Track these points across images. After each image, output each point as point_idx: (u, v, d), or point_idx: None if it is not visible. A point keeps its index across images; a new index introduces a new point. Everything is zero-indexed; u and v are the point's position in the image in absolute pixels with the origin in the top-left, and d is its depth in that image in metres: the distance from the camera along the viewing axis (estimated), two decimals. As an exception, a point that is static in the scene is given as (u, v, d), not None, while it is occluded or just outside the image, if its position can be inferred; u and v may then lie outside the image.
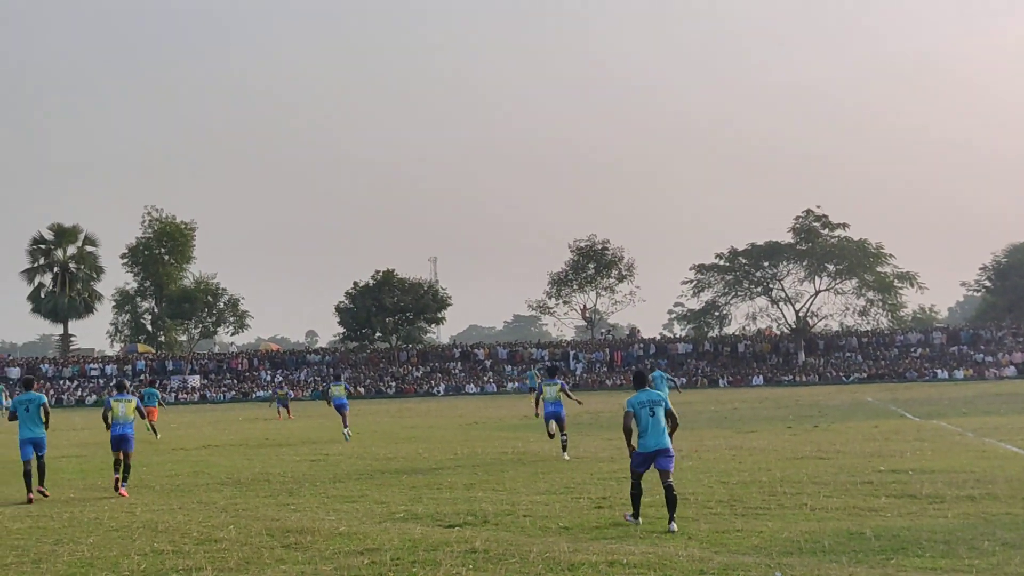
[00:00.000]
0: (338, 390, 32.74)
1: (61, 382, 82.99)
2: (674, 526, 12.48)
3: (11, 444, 21.09)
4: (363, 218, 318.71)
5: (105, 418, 18.88)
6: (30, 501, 17.09)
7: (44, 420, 17.76)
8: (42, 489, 17.63)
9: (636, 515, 13.22)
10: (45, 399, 18.28)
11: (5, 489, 19.24)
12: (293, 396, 70.86)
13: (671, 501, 12.69)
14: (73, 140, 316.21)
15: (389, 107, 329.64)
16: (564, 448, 22.59)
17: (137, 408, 18.94)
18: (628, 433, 13.49)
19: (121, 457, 18.30)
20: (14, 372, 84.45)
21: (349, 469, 21.43)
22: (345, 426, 30.50)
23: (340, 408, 31.37)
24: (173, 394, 79.79)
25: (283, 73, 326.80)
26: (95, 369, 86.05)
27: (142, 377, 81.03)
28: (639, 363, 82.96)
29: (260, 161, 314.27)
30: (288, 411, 48.76)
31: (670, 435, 13.25)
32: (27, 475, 17.35)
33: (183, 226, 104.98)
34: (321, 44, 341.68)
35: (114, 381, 18.70)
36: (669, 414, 13.27)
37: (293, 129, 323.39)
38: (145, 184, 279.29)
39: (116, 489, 17.99)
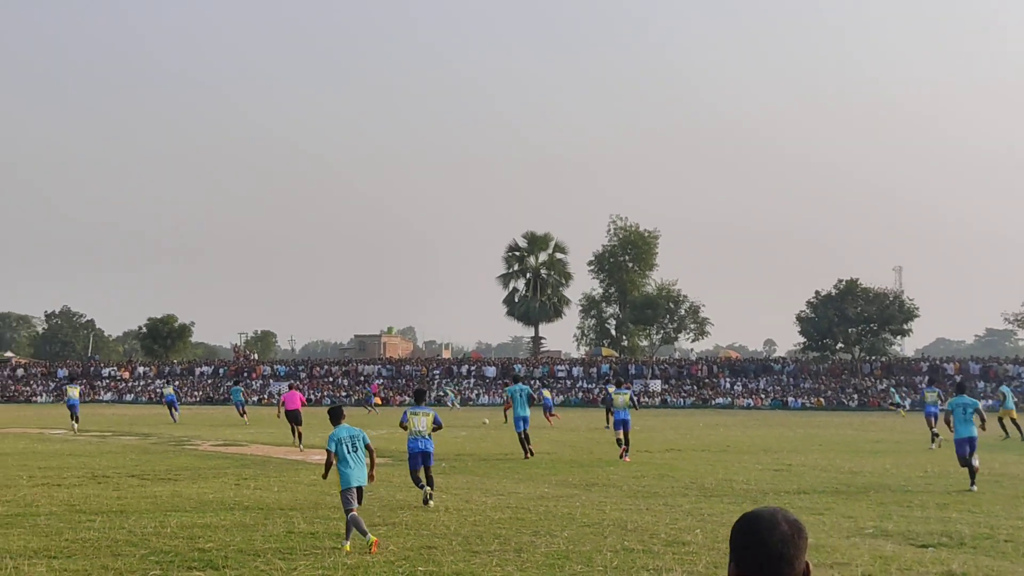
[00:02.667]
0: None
1: (532, 382, 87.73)
2: None
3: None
4: (826, 226, 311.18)
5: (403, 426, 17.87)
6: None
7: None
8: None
9: None
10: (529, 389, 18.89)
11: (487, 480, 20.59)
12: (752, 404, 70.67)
13: None
14: (544, 154, 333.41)
15: (822, 109, 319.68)
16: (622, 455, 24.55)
17: (435, 421, 17.60)
18: None
19: (421, 475, 17.18)
20: (490, 371, 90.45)
21: (814, 481, 20.98)
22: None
23: None
24: (635, 397, 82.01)
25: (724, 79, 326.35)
26: (562, 371, 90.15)
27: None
28: None
29: (718, 164, 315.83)
30: None
31: None
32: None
33: (647, 234, 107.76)
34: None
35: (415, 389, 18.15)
36: None
37: (744, 128, 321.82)
38: (610, 190, 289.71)
39: (425, 502, 16.65)
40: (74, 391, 44.31)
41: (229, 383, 75.11)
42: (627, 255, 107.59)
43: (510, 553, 12.01)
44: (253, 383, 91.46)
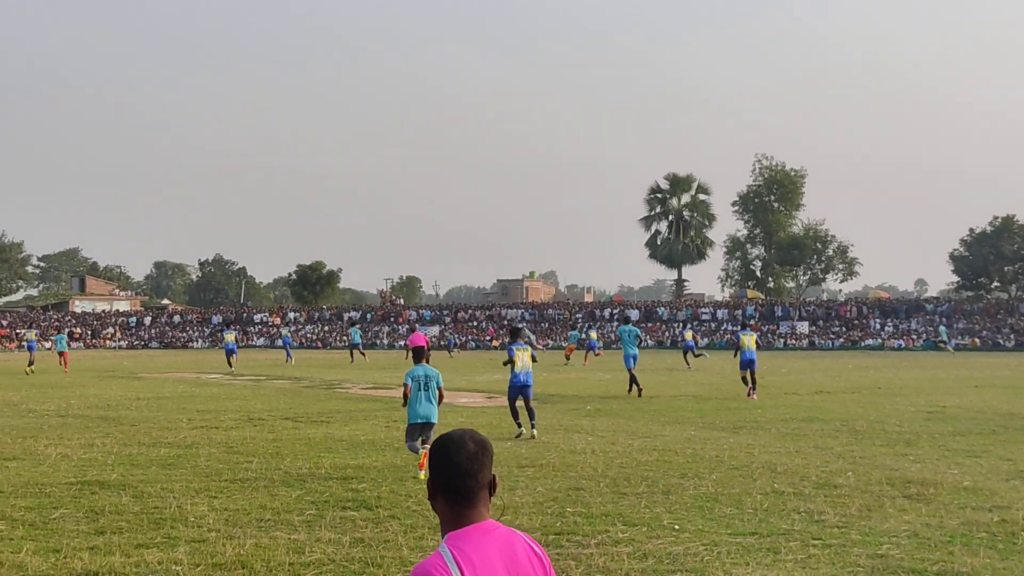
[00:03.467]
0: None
1: (675, 325, 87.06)
2: None
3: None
4: (980, 162, 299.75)
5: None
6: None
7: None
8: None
9: None
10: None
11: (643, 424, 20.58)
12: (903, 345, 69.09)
13: None
14: (686, 94, 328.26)
15: (975, 43, 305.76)
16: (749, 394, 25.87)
17: (532, 356, 18.92)
18: None
19: (519, 407, 18.55)
20: (634, 314, 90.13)
21: (969, 423, 20.33)
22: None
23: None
24: (781, 340, 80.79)
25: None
26: (706, 313, 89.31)
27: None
28: None
29: (865, 100, 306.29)
30: None
31: None
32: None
33: (793, 173, 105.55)
34: None
35: (510, 327, 20.06)
36: None
37: (893, 64, 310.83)
38: (752, 130, 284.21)
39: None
40: (230, 336, 47.01)
41: (350, 327, 76.56)
42: (772, 195, 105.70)
43: (658, 495, 11.96)
44: (399, 327, 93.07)
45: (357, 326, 66.84)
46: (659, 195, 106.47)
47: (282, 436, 18.36)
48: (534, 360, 18.93)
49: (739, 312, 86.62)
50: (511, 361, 18.76)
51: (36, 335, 56.17)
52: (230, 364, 44.75)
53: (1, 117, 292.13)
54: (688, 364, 46.14)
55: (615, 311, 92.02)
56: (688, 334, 50.29)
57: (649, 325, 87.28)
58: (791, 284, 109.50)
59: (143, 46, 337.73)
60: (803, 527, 10.20)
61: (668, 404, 25.43)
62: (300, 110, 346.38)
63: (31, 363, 46.30)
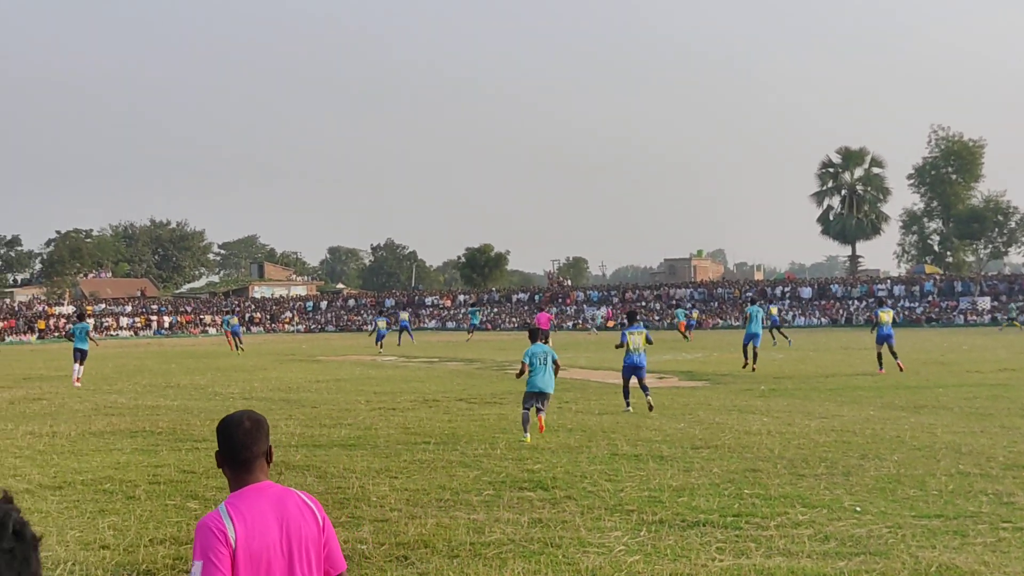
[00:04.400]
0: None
1: (849, 303, 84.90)
2: None
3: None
4: None
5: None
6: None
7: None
8: None
9: None
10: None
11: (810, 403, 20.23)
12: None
13: None
14: (858, 65, 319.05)
15: None
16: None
17: (647, 339, 19.87)
18: None
19: (631, 386, 19.80)
20: (806, 292, 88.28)
21: None
22: None
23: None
24: (961, 316, 77.95)
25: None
26: (882, 289, 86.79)
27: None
28: None
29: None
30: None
31: None
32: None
33: (971, 144, 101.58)
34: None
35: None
36: None
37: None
38: (928, 99, 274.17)
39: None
40: (382, 323, 53.76)
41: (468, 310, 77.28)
42: (950, 167, 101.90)
43: (838, 476, 11.74)
44: (568, 308, 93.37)
45: (476, 307, 72.10)
46: (831, 169, 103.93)
47: (457, 417, 18.69)
48: (649, 342, 19.85)
49: (916, 288, 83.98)
50: (623, 344, 19.84)
51: (237, 319, 58.96)
52: (379, 346, 50.09)
53: (190, 118, 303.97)
54: (776, 340, 47.40)
55: (787, 289, 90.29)
56: (773, 309, 51.47)
57: (823, 303, 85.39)
58: (971, 258, 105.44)
59: (308, 47, 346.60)
60: (991, 509, 9.88)
61: (844, 383, 24.89)
62: (464, 95, 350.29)
63: (239, 345, 50.15)
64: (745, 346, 30.14)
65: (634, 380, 19.65)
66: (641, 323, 21.42)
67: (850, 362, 33.13)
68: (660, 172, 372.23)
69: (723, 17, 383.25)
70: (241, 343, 50.40)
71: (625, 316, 23.46)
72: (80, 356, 29.74)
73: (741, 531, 9.20)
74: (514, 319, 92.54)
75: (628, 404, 19.51)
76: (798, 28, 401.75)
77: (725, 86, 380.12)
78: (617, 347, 20.34)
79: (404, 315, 63.17)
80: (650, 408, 18.81)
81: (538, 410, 15.84)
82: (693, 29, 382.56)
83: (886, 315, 28.57)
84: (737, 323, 78.56)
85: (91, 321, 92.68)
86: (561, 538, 9.06)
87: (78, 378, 29.26)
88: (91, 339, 31.05)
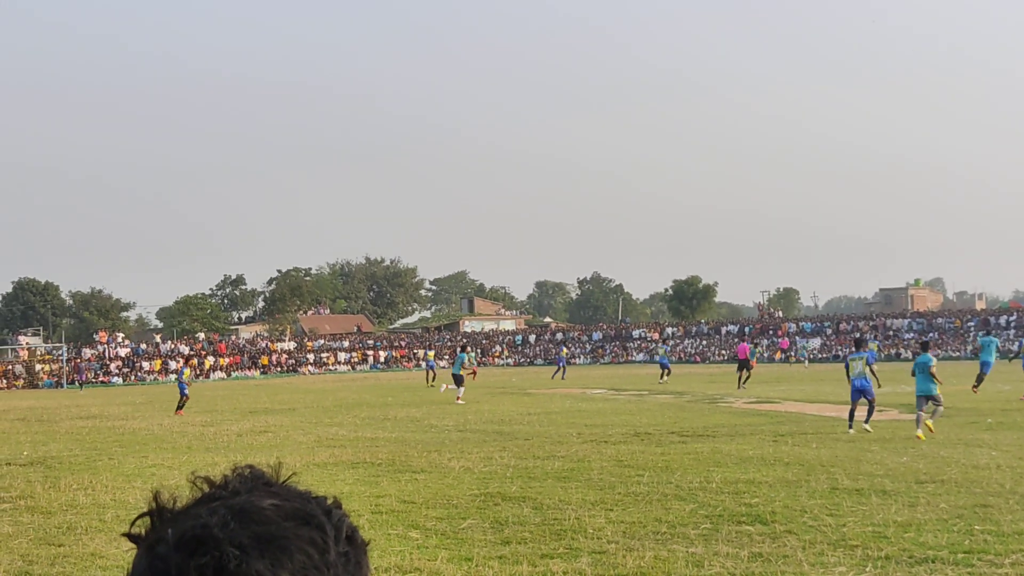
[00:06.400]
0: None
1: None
2: None
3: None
4: None
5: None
6: None
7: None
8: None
9: None
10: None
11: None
12: None
13: None
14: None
15: None
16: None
17: (869, 365, 21.59)
18: None
19: (856, 410, 21.39)
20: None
21: None
22: None
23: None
24: None
25: None
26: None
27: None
28: None
29: None
30: None
31: None
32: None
33: None
34: None
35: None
36: None
37: None
38: None
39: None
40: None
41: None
42: None
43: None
44: (777, 340, 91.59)
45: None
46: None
47: (670, 450, 18.56)
48: (869, 367, 21.61)
49: None
50: (847, 370, 21.85)
51: (434, 354, 61.36)
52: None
53: (397, 159, 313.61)
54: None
55: (1012, 318, 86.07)
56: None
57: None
58: None
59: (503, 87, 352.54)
60: None
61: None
62: (662, 131, 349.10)
63: (433, 379, 52.36)
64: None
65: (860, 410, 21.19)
66: (866, 351, 22.77)
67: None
68: (871, 197, 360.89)
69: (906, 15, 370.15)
70: (435, 377, 52.62)
71: (854, 343, 24.70)
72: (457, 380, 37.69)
73: (973, 568, 8.83)
74: (723, 351, 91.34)
75: (851, 427, 20.90)
76: None
77: (936, 107, 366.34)
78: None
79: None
80: (865, 427, 20.72)
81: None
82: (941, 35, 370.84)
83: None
84: (956, 354, 75.46)
85: (310, 356, 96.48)
86: (783, 573, 8.89)
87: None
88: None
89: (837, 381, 42.72)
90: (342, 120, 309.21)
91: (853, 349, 24.14)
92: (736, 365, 46.41)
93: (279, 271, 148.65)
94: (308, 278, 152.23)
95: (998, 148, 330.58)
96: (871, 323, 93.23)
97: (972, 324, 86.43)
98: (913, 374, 21.49)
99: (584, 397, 38.38)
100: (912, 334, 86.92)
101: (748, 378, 42.00)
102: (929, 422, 20.07)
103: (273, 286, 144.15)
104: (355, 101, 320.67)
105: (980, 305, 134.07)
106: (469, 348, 52.64)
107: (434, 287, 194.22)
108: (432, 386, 49.37)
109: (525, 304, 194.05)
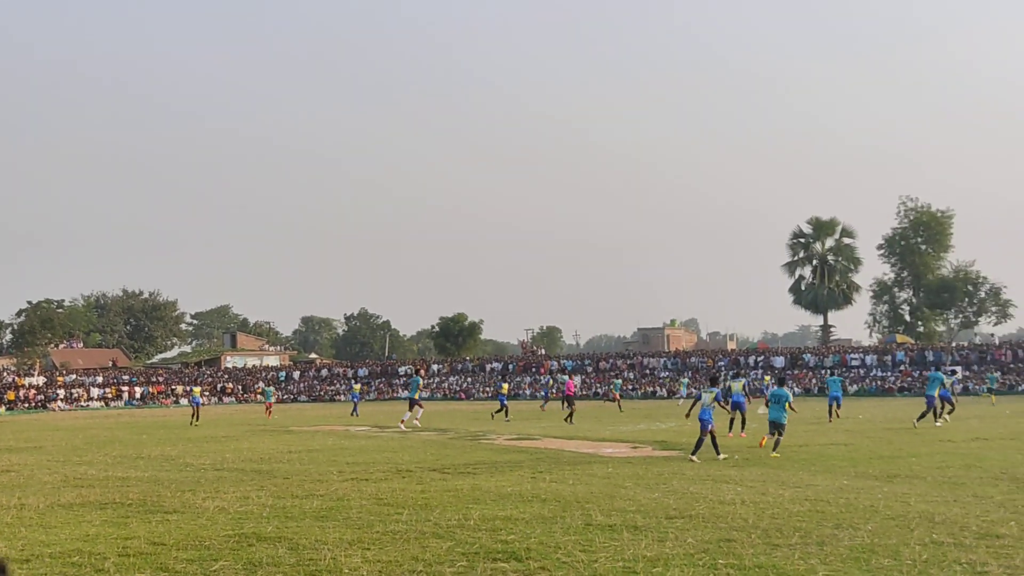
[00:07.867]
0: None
1: (822, 372, 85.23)
2: None
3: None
4: None
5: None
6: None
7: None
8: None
9: None
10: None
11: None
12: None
13: None
14: (828, 139, 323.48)
15: None
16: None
17: (716, 399, 24.28)
18: None
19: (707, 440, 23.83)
20: (778, 361, 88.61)
21: None
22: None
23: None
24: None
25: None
26: (855, 359, 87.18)
27: (902, 368, 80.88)
28: None
29: (1013, 139, 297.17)
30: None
31: None
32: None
33: (940, 214, 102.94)
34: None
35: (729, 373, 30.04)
36: None
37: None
38: (898, 172, 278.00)
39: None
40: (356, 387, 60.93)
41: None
42: (919, 237, 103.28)
43: (812, 546, 11.72)
44: (541, 377, 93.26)
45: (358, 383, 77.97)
46: (802, 240, 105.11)
47: (430, 487, 18.56)
48: (717, 401, 24.49)
49: (888, 358, 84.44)
50: (698, 400, 24.76)
51: (199, 390, 60.13)
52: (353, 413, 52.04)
53: (159, 184, 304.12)
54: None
55: (759, 358, 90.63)
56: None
57: (795, 372, 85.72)
58: (942, 328, 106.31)
59: (306, 99, 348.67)
60: (965, 580, 9.88)
61: (818, 452, 24.91)
62: (444, 164, 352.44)
63: (196, 417, 51.04)
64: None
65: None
66: (718, 389, 25.12)
67: (823, 431, 33.19)
68: (632, 240, 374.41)
69: (700, 80, 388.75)
70: (198, 416, 51.44)
71: (709, 379, 28.93)
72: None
73: (716, 602, 9.15)
74: (487, 388, 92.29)
75: (694, 455, 23.31)
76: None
77: (699, 154, 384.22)
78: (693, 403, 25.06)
79: (357, 387, 63.91)
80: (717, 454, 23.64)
81: None
82: (671, 84, 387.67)
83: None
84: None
85: (61, 392, 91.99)
86: (535, 609, 8.99)
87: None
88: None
89: (595, 419, 43.85)
90: (94, 129, 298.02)
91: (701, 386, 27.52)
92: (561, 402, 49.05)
93: (29, 302, 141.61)
94: (60, 310, 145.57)
95: (743, 206, 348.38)
96: (629, 361, 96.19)
97: (723, 363, 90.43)
98: (767, 404, 26.59)
99: (347, 434, 37.98)
100: (667, 372, 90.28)
101: (572, 413, 43.13)
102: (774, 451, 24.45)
103: (22, 318, 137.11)
104: (94, 125, 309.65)
105: (731, 345, 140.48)
106: (422, 371, 51.95)
107: (195, 321, 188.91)
108: (196, 424, 48.12)
109: (290, 340, 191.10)
